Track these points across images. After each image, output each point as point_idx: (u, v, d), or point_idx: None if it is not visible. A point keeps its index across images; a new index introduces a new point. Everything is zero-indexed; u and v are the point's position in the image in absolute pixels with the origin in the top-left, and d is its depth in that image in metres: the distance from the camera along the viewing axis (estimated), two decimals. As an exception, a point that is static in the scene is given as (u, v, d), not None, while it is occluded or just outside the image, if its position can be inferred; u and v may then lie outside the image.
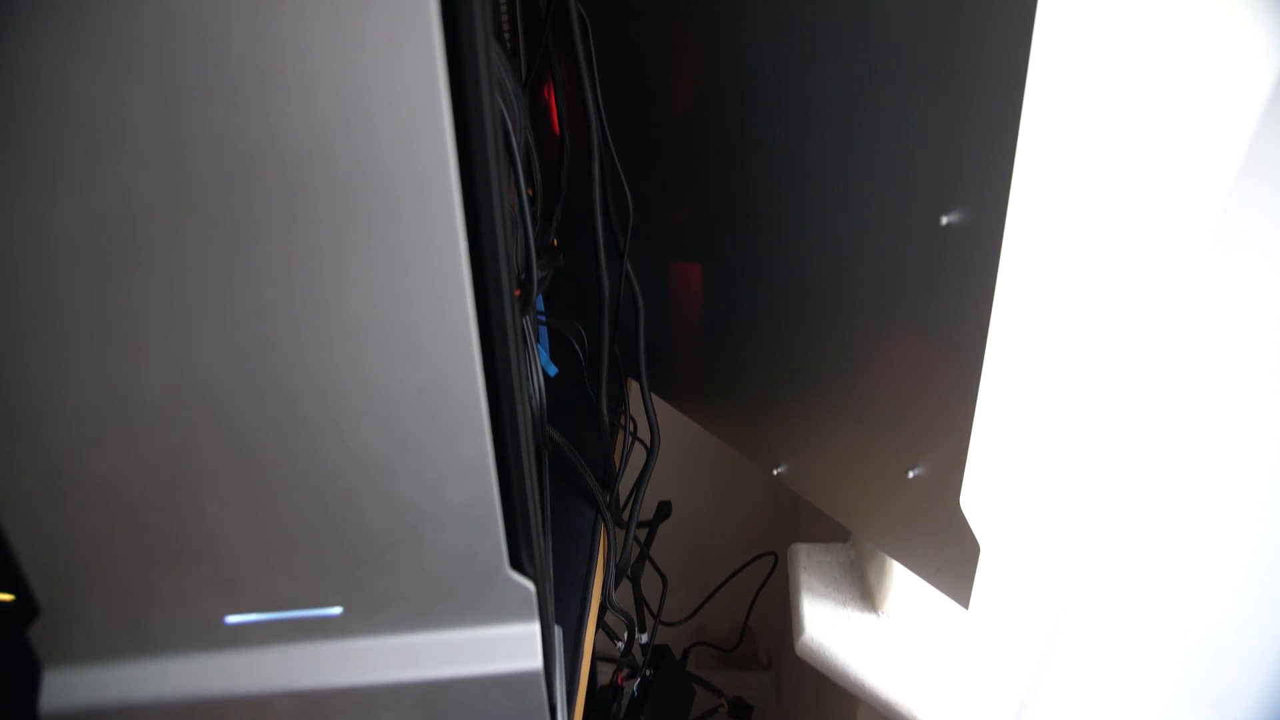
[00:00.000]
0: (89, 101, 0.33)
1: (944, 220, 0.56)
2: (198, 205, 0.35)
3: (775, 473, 0.82)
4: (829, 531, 0.99)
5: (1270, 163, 0.61)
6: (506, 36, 0.85)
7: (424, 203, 0.36)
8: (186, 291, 0.37)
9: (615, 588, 0.82)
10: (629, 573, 0.99)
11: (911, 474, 0.66)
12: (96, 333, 0.37)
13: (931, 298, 0.60)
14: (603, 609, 0.80)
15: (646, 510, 0.94)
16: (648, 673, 1.02)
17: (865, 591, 0.90)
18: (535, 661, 0.48)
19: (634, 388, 0.89)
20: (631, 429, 0.89)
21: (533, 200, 0.77)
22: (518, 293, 0.56)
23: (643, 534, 1.03)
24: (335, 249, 0.37)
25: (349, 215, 0.36)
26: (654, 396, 0.88)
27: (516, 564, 0.47)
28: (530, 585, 0.47)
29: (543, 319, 0.89)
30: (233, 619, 0.46)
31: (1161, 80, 0.60)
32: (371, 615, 0.47)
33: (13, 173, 0.34)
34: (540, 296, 0.90)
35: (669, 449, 0.89)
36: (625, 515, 0.86)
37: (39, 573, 0.43)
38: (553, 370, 0.91)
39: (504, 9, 0.85)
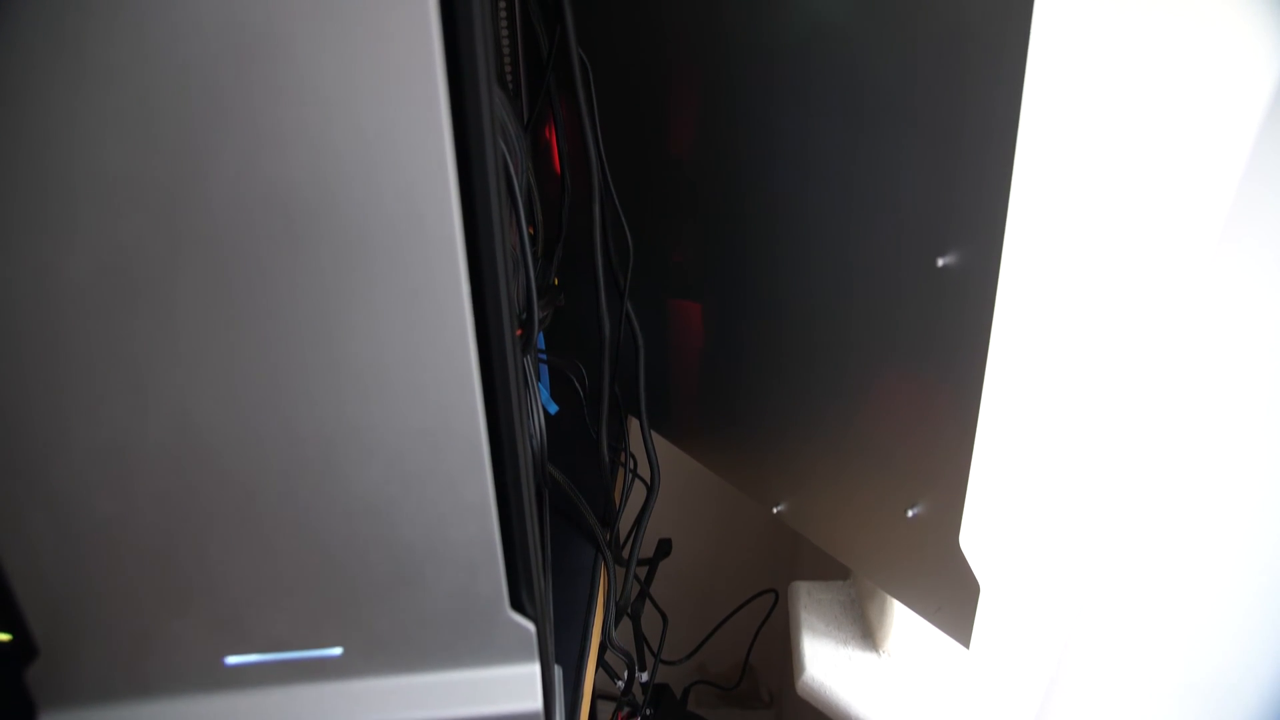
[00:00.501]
0: (106, 156, 0.34)
1: (940, 262, 0.57)
2: (206, 254, 0.36)
3: (775, 511, 0.82)
4: (829, 569, 0.99)
5: (1271, 174, 0.61)
6: (509, 77, 0.87)
7: (427, 249, 0.37)
8: (194, 337, 0.37)
9: (615, 626, 0.82)
10: (629, 611, 0.99)
11: (911, 513, 0.66)
12: (105, 376, 0.38)
13: (929, 338, 0.60)
14: (603, 648, 0.80)
15: (646, 548, 0.94)
16: (648, 712, 1.01)
17: (866, 630, 0.90)
18: (535, 702, 0.48)
19: (634, 425, 0.90)
20: (631, 466, 0.89)
21: (534, 239, 0.78)
22: (519, 332, 0.57)
23: (643, 572, 1.03)
24: (340, 295, 0.37)
25: (354, 262, 0.36)
26: (654, 434, 0.88)
27: (517, 604, 0.47)
28: (530, 626, 0.47)
29: (543, 357, 0.90)
30: (233, 660, 0.46)
31: (1156, 107, 0.61)
32: (372, 656, 0.46)
33: (30, 223, 0.35)
34: (540, 334, 0.90)
35: (669, 486, 0.89)
36: (625, 553, 0.86)
37: (39, 613, 0.43)
38: (553, 408, 0.91)
39: (506, 51, 0.86)
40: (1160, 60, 0.60)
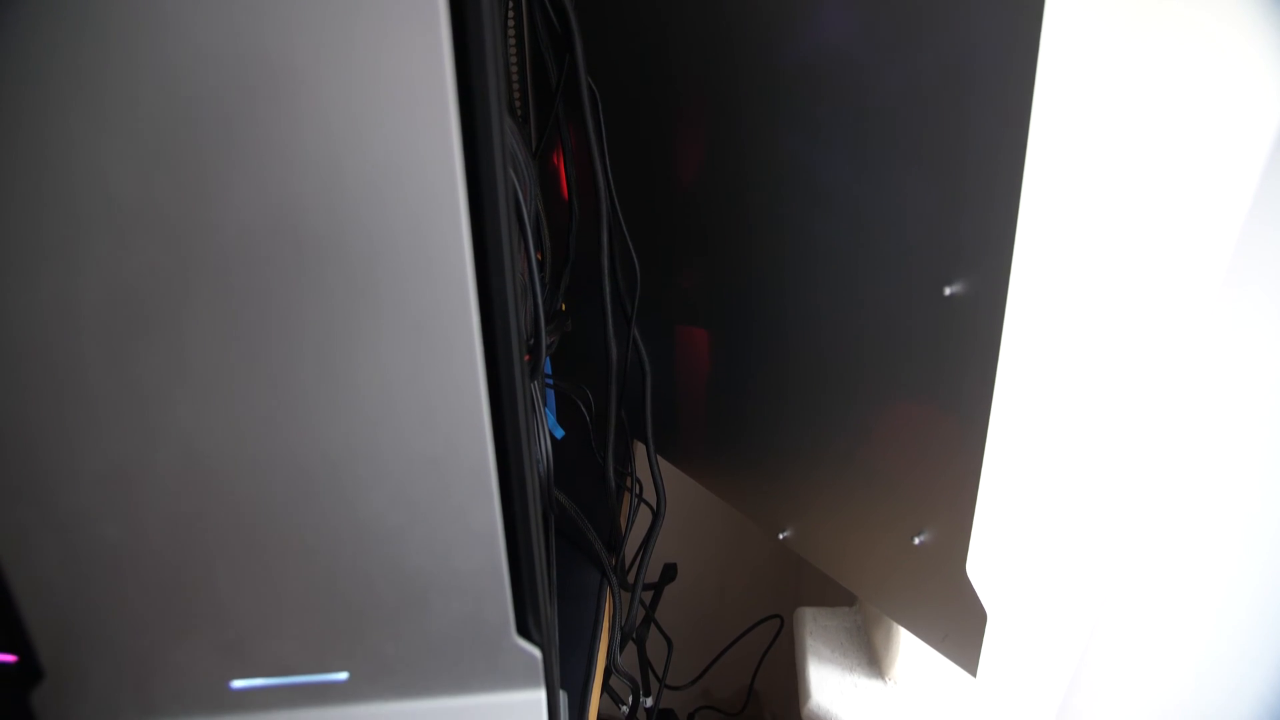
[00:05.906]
0: (119, 185, 0.34)
1: (947, 291, 0.57)
2: (218, 281, 0.36)
3: (780, 537, 0.82)
4: (835, 595, 0.98)
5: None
6: (518, 105, 0.87)
7: (437, 277, 0.37)
8: (202, 363, 0.38)
9: (620, 651, 0.81)
10: (634, 636, 0.98)
11: (917, 540, 0.66)
12: (114, 402, 0.38)
13: (936, 367, 0.60)
14: (608, 673, 0.80)
15: (651, 573, 0.94)
16: (652, 738, 1.01)
17: (872, 657, 0.89)
18: (540, 729, 0.48)
19: (640, 449, 0.90)
20: (637, 491, 0.89)
21: (541, 264, 0.79)
22: (526, 358, 0.57)
23: (648, 597, 1.03)
24: (350, 323, 0.37)
25: (364, 290, 0.37)
26: (660, 459, 0.88)
27: (523, 630, 0.47)
28: (536, 652, 0.47)
29: (550, 382, 0.90)
30: (238, 684, 0.46)
31: (1163, 132, 0.60)
32: (377, 681, 0.46)
33: (42, 250, 0.35)
34: (547, 359, 0.90)
35: (674, 511, 0.89)
36: (630, 578, 0.86)
37: (45, 636, 0.43)
38: (560, 433, 0.91)
39: (515, 78, 0.87)
40: (1167, 84, 0.60)
